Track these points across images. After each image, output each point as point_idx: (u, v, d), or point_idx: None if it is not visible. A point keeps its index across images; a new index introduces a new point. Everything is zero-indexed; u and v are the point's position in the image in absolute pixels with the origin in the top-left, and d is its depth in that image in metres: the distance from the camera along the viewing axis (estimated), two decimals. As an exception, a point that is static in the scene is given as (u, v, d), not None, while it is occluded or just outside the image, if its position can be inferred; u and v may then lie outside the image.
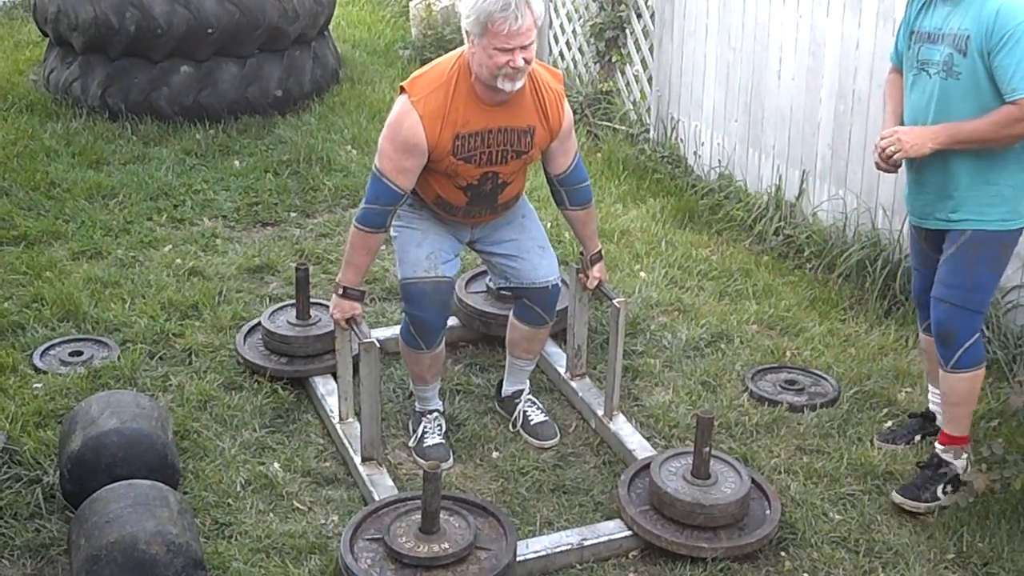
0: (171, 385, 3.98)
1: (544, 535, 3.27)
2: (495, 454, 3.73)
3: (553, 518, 3.40)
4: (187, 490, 3.40)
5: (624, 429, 3.76)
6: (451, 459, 3.65)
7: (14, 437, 3.55)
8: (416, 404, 3.80)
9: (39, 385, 3.93)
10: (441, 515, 3.06)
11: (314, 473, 3.57)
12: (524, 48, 3.18)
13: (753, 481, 3.36)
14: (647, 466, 3.40)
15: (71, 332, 4.31)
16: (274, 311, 4.24)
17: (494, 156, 3.39)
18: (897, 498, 3.45)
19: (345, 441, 3.66)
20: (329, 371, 3.98)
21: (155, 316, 4.41)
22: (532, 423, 3.82)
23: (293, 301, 4.23)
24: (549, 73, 3.49)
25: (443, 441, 3.70)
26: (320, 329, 4.10)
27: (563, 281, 4.14)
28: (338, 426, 3.75)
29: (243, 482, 3.48)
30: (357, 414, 3.68)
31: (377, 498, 3.33)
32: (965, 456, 3.45)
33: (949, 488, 3.41)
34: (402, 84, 3.37)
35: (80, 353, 4.13)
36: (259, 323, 4.23)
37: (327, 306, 4.28)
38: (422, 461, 3.59)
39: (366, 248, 3.44)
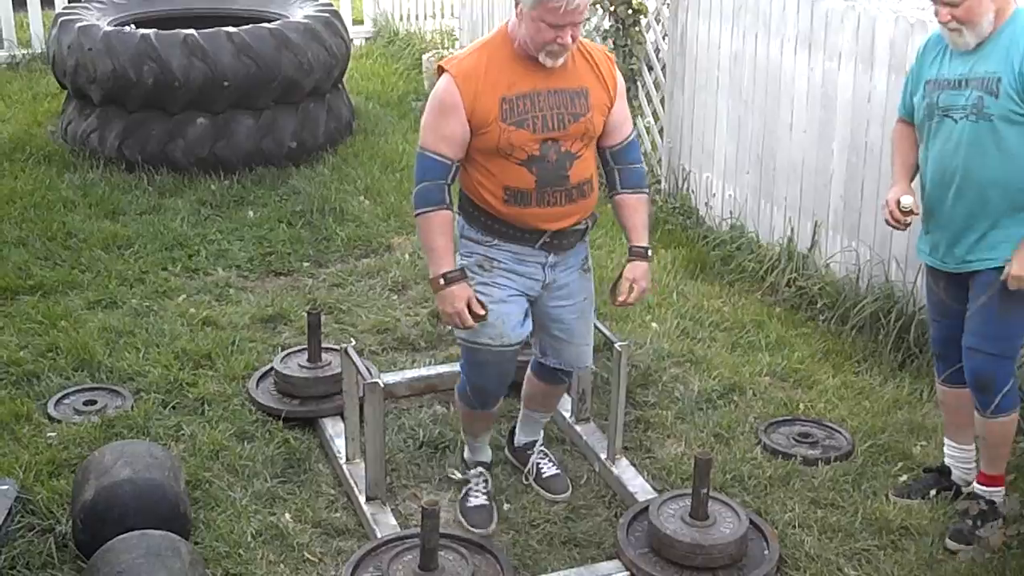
0: (184, 434, 3.99)
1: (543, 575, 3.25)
2: (506, 506, 3.71)
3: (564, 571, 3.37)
4: (198, 541, 3.39)
5: (627, 473, 3.78)
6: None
7: (28, 486, 3.56)
8: (465, 450, 3.80)
9: (53, 434, 3.93)
10: (440, 553, 3.05)
11: (325, 524, 3.56)
12: (574, 25, 3.11)
13: (751, 521, 3.34)
14: (646, 508, 3.40)
15: (85, 381, 4.32)
16: (286, 355, 4.28)
17: (549, 120, 3.21)
18: (952, 544, 3.44)
19: (351, 481, 3.68)
20: (339, 411, 3.99)
21: (169, 365, 4.42)
22: (544, 476, 3.80)
23: (305, 346, 4.25)
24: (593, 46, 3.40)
25: (487, 503, 3.63)
26: (331, 371, 4.13)
27: None
28: (345, 467, 3.77)
29: (254, 533, 3.47)
30: (363, 452, 3.68)
31: (380, 536, 3.33)
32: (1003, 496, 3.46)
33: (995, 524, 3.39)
34: (439, 64, 3.30)
35: (94, 402, 4.14)
36: (271, 368, 4.26)
37: (338, 351, 4.30)
38: (463, 520, 3.58)
39: (438, 229, 3.22)
